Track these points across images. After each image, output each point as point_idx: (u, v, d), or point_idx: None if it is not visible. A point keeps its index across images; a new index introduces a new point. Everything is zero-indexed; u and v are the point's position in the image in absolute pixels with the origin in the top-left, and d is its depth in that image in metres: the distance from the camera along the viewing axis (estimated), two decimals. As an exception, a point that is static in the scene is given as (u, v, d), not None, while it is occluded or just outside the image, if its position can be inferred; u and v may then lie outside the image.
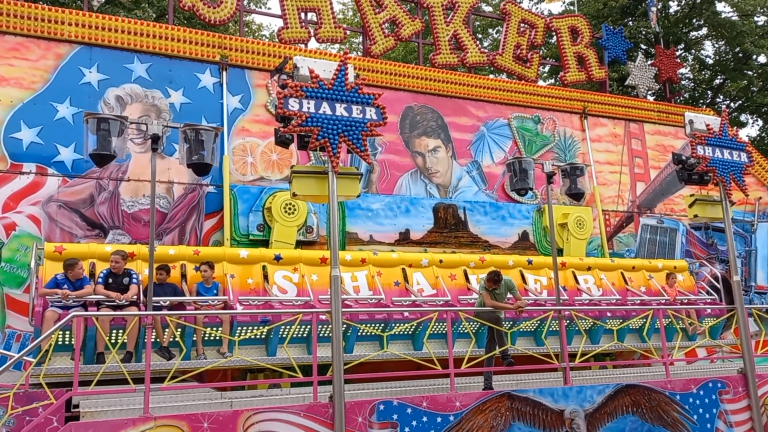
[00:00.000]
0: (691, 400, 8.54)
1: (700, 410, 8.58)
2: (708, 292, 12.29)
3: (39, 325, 7.54)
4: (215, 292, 8.58)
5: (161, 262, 8.41)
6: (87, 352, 7.67)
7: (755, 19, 22.49)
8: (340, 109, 7.05)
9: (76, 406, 6.70)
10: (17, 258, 9.49)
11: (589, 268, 11.56)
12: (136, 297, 7.94)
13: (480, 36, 24.40)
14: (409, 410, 6.96)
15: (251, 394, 7.77)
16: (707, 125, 9.33)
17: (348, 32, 13.54)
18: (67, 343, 7.68)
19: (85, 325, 7.38)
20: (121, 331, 7.72)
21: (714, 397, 8.73)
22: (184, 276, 8.74)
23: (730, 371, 9.41)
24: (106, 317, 7.47)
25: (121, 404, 6.75)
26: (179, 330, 7.77)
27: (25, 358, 6.65)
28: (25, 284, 9.30)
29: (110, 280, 7.92)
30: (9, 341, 9.21)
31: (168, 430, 6.08)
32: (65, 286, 7.70)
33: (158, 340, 7.88)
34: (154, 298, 7.66)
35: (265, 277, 9.18)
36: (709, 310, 11.44)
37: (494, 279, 8.25)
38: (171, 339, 7.91)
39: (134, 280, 8.01)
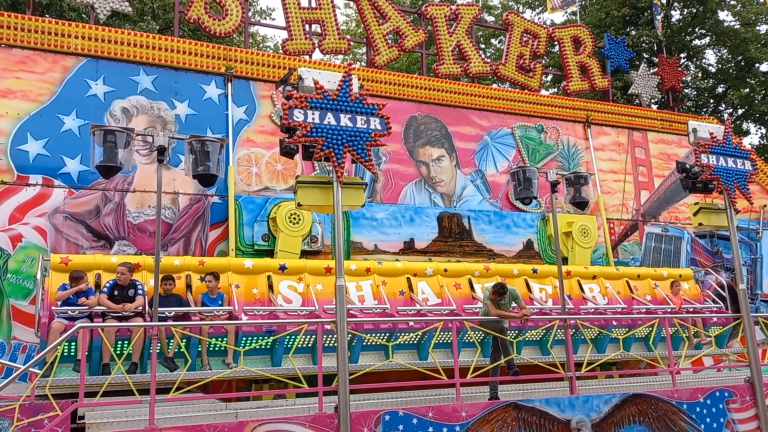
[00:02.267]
0: (698, 409, 8.49)
1: (708, 419, 8.51)
2: (714, 301, 12.23)
3: (45, 337, 7.56)
4: (220, 302, 8.59)
5: (167, 272, 8.42)
6: (92, 364, 7.68)
7: (757, 28, 22.54)
8: (345, 120, 7.09)
9: (82, 418, 6.70)
10: (23, 269, 9.53)
11: (594, 277, 11.54)
12: (141, 308, 7.96)
13: (483, 46, 24.50)
14: (414, 421, 6.93)
15: (256, 405, 7.75)
16: (711, 133, 9.33)
17: (352, 43, 13.61)
18: (72, 354, 7.70)
19: (90, 336, 7.39)
20: (126, 342, 7.73)
21: (721, 406, 8.67)
22: (189, 286, 8.76)
23: (737, 380, 9.34)
24: (111, 328, 7.48)
25: (126, 415, 6.75)
26: (184, 341, 7.77)
27: (30, 369, 6.65)
28: (31, 295, 9.33)
29: (115, 292, 7.94)
30: (15, 352, 9.23)
31: (173, 441, 6.07)
32: (71, 296, 7.74)
33: (163, 351, 7.89)
34: (159, 309, 7.67)
35: (270, 287, 9.20)
36: (715, 319, 11.39)
37: (499, 291, 8.24)
38: (176, 350, 7.91)
39: (140, 292, 8.03)
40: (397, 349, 8.95)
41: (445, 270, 10.44)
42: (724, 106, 24.76)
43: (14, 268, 9.50)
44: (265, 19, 22.95)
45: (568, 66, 15.28)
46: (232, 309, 8.56)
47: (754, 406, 8.82)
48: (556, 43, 15.49)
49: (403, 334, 8.96)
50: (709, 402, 8.59)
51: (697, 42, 24.20)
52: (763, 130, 25.00)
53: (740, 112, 24.50)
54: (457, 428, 7.10)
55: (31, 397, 6.51)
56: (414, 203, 12.50)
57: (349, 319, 7.34)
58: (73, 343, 7.60)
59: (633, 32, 22.49)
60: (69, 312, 7.66)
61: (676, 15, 23.76)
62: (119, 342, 7.75)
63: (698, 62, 24.62)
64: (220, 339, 8.22)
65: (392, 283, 9.92)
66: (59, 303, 7.70)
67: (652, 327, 10.20)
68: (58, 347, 6.49)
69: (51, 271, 8.29)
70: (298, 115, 6.90)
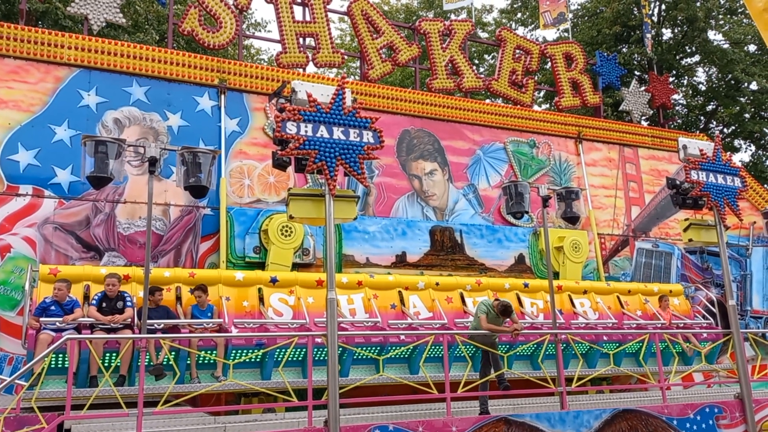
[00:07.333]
0: (688, 425, 8.48)
1: (698, 436, 8.51)
2: (704, 317, 12.28)
3: (32, 348, 7.48)
4: (210, 314, 8.54)
5: (156, 284, 8.37)
6: (80, 376, 7.59)
7: (746, 48, 22.81)
8: (338, 133, 7.11)
9: (68, 431, 6.61)
10: (11, 280, 9.44)
11: (585, 292, 11.56)
12: (129, 320, 7.89)
13: (476, 62, 24.68)
14: (405, 435, 6.89)
15: (245, 419, 7.68)
16: (701, 150, 9.42)
17: (346, 57, 13.68)
18: (59, 366, 7.61)
19: (78, 348, 7.32)
20: (114, 354, 7.66)
21: (711, 422, 8.67)
22: (179, 298, 8.70)
23: (726, 396, 9.36)
24: (99, 340, 7.41)
25: (113, 429, 6.68)
26: (173, 353, 7.71)
27: (16, 381, 6.57)
28: (19, 306, 9.23)
29: (104, 304, 7.88)
30: (1, 364, 9.11)
31: (161, 455, 6.00)
32: (53, 307, 7.66)
33: (152, 363, 7.81)
34: (148, 321, 7.62)
35: (261, 299, 9.15)
36: (705, 335, 11.42)
37: (503, 311, 8.18)
38: (164, 362, 7.84)
39: (128, 303, 7.97)
40: (388, 363, 8.92)
41: (437, 284, 10.43)
42: (714, 123, 25.00)
43: (2, 279, 9.40)
44: (260, 31, 23.04)
45: (560, 82, 15.41)
46: (221, 321, 8.50)
47: (743, 423, 8.83)
48: (548, 59, 15.63)
49: (394, 347, 8.93)
50: (699, 418, 8.59)
51: (687, 60, 24.47)
52: (753, 148, 25.26)
53: (730, 129, 24.74)
54: (448, 443, 7.05)
55: (16, 410, 6.43)
56: (406, 217, 12.51)
57: (340, 333, 7.30)
58: (60, 355, 7.52)
59: (624, 50, 22.72)
60: (57, 323, 7.58)
61: (667, 33, 24.06)
62: (107, 354, 7.67)
63: (689, 80, 24.88)
64: (209, 352, 8.15)
65: (384, 296, 9.90)
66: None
67: (643, 342, 10.21)
68: (45, 359, 6.42)
69: (39, 282, 8.23)
70: (291, 128, 6.91)
